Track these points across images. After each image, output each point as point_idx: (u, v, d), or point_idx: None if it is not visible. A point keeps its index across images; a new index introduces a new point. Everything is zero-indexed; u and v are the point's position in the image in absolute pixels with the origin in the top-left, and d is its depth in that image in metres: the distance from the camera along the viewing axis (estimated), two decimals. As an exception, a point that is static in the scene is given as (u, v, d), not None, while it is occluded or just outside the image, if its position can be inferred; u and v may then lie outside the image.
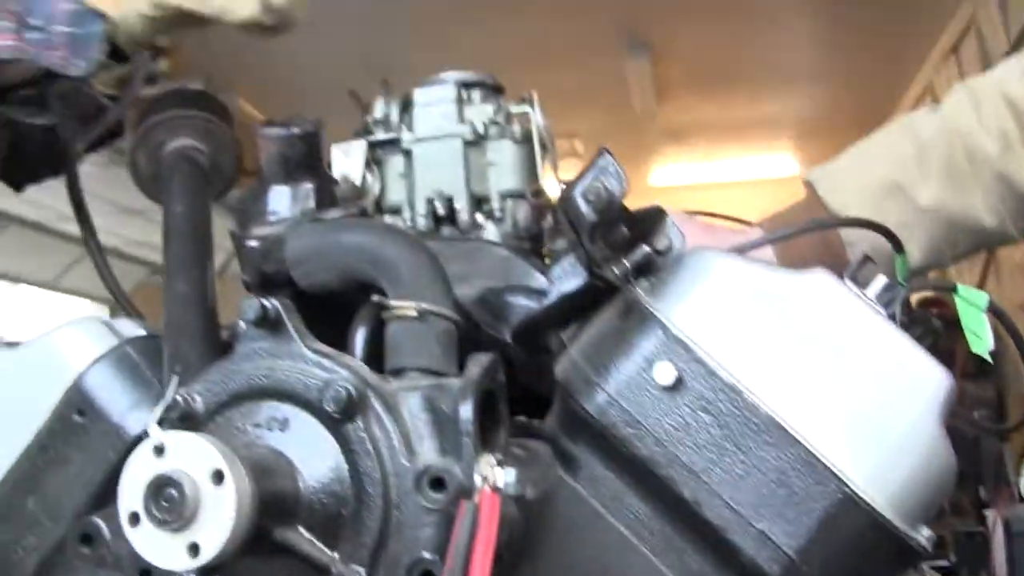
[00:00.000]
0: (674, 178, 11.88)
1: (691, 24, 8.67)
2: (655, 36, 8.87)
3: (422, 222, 1.67)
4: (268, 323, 1.22)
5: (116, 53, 1.72)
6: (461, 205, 1.66)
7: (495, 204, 1.67)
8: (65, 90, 1.77)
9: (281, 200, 1.40)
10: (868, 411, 1.15)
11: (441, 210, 1.66)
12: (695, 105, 10.26)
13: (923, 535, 1.17)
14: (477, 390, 1.17)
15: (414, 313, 1.23)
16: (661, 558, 1.21)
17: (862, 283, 1.20)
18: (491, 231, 1.65)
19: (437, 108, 1.70)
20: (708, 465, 1.16)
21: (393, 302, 1.24)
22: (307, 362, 1.20)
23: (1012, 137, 1.53)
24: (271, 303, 1.22)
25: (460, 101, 1.70)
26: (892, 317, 1.19)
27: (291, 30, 1.64)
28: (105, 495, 1.39)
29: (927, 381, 1.16)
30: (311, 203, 1.39)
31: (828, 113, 10.58)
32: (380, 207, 1.73)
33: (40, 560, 1.43)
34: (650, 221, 1.36)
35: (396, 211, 1.71)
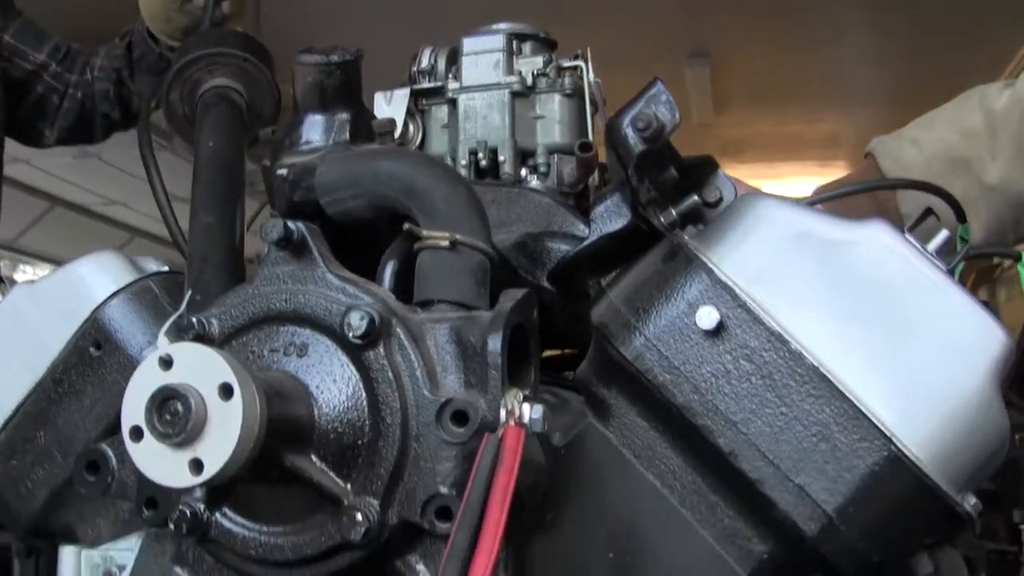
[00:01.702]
0: (728, 193, 11.81)
1: (753, 36, 8.61)
2: (716, 47, 8.82)
3: (464, 174, 1.61)
4: (291, 246, 1.17)
5: None
6: (505, 157, 1.60)
7: (540, 158, 1.61)
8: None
9: (315, 130, 1.36)
10: (920, 367, 1.08)
11: (484, 162, 1.61)
12: (753, 119, 10.18)
13: (969, 503, 1.10)
14: (507, 324, 1.11)
15: (446, 244, 1.17)
16: (692, 512, 1.15)
17: (922, 238, 1.13)
18: (535, 186, 1.60)
19: (485, 58, 1.64)
20: (747, 416, 1.10)
21: (425, 231, 1.19)
22: (330, 287, 1.15)
23: None
24: (295, 225, 1.17)
25: (510, 52, 1.65)
26: (952, 273, 1.12)
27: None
28: (119, 429, 1.35)
29: (984, 339, 1.09)
30: (346, 134, 1.34)
31: (885, 134, 10.49)
32: (421, 158, 1.68)
33: (50, 494, 1.39)
34: (701, 171, 1.31)
35: (437, 161, 1.66)
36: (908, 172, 1.53)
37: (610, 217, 1.24)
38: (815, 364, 1.09)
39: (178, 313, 1.14)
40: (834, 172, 11.89)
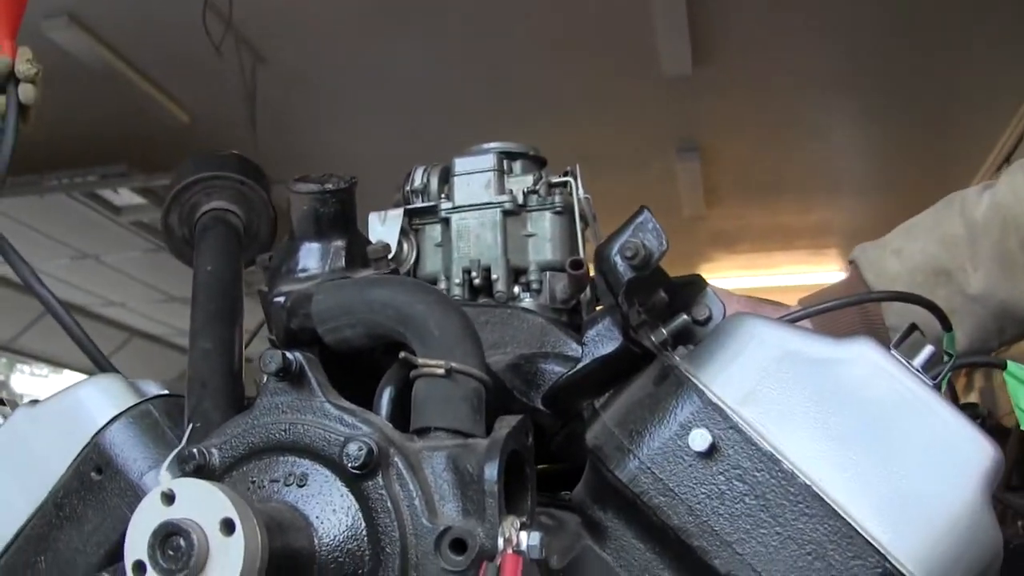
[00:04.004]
0: (722, 283, 11.78)
1: (740, 131, 8.70)
2: (704, 140, 8.91)
3: (458, 292, 1.64)
4: (290, 376, 1.18)
5: None
6: (498, 276, 1.63)
7: (533, 276, 1.64)
8: None
9: (311, 257, 1.38)
10: (911, 484, 1.09)
11: (478, 280, 1.63)
12: (743, 211, 10.26)
13: None
14: (503, 451, 1.12)
15: (442, 372, 1.19)
16: (691, 633, 1.16)
17: (908, 353, 1.15)
18: (528, 303, 1.62)
19: (477, 177, 1.67)
20: (742, 536, 1.11)
21: (421, 360, 1.21)
22: (328, 417, 1.16)
23: None
24: (293, 356, 1.18)
25: (501, 171, 1.68)
26: (939, 388, 1.14)
27: None
28: (120, 556, 1.35)
29: (974, 454, 1.10)
30: (341, 261, 1.36)
31: (875, 223, 10.47)
32: (415, 277, 1.70)
33: None
34: (690, 290, 1.33)
35: (432, 281, 1.68)
36: (892, 283, 1.55)
37: (602, 341, 1.26)
38: (807, 483, 1.10)
39: (179, 448, 1.16)
40: (826, 260, 11.98)
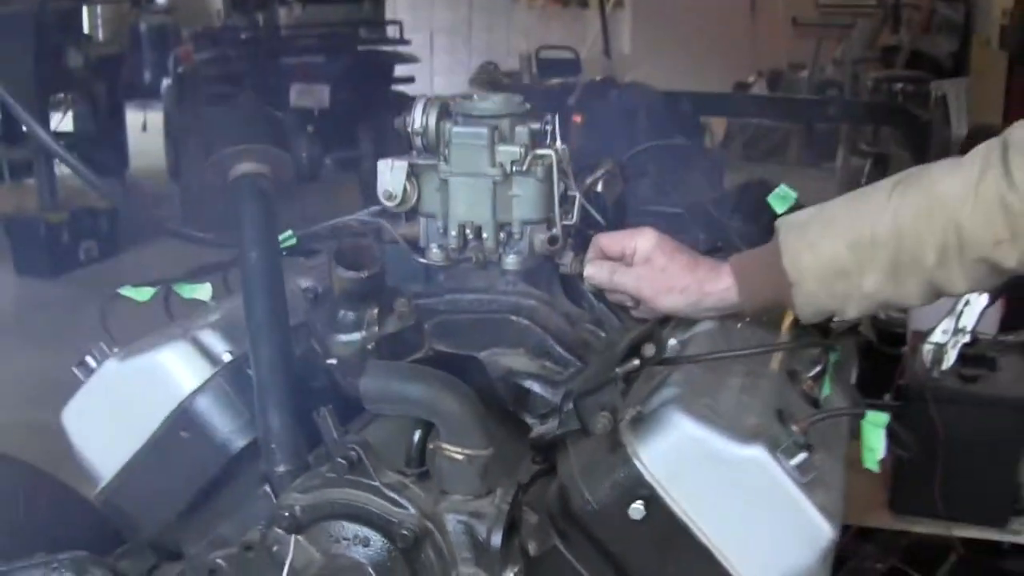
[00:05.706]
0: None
1: None
2: None
3: (454, 245, 2.07)
4: (351, 463, 1.66)
5: None
6: (488, 235, 2.06)
7: (515, 228, 2.06)
8: None
9: (351, 323, 1.80)
10: (777, 554, 1.62)
11: (470, 235, 2.07)
12: None
13: None
14: (506, 521, 1.64)
15: (461, 458, 1.67)
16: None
17: (788, 455, 1.61)
18: (511, 260, 2.06)
19: (472, 148, 2.03)
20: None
21: (445, 444, 1.67)
22: (383, 497, 1.65)
23: (950, 253, 1.77)
24: (354, 448, 1.65)
25: (492, 143, 2.03)
26: (805, 486, 1.61)
27: None
28: (198, 502, 1.86)
29: (817, 536, 1.61)
30: (375, 327, 1.79)
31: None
32: (417, 213, 2.12)
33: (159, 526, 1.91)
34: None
35: (431, 216, 2.11)
36: (803, 274, 1.87)
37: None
38: (708, 547, 1.63)
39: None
40: None
